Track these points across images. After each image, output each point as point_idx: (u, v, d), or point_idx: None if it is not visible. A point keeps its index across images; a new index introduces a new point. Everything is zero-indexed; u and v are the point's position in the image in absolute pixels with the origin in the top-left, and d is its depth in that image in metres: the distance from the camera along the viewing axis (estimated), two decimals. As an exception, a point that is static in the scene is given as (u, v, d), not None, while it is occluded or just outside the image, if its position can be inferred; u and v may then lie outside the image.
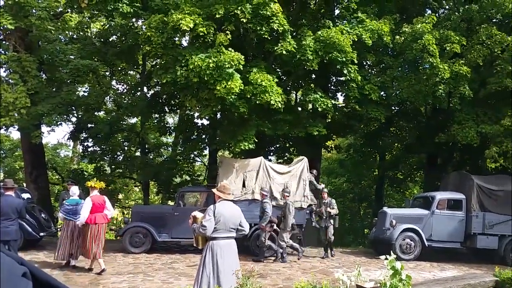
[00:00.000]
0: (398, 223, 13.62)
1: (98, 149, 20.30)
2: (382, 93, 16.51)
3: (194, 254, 12.24)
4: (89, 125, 19.06)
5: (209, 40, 12.54)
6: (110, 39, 18.95)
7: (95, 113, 19.55)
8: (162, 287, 8.74)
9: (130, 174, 22.29)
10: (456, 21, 16.30)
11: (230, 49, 12.27)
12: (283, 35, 13.25)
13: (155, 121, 21.46)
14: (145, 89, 20.60)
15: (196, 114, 18.01)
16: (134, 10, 13.48)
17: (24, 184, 18.55)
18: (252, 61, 14.17)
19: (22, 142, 18.61)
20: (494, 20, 16.36)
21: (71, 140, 22.04)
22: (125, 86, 23.16)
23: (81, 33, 19.75)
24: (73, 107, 16.83)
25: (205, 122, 19.41)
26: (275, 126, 14.75)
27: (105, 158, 20.90)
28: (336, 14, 16.42)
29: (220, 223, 5.64)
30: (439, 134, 16.44)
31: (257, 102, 12.65)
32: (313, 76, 16.72)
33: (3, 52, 15.98)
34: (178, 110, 20.97)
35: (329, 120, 16.57)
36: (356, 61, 14.35)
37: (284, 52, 13.10)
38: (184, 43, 14.97)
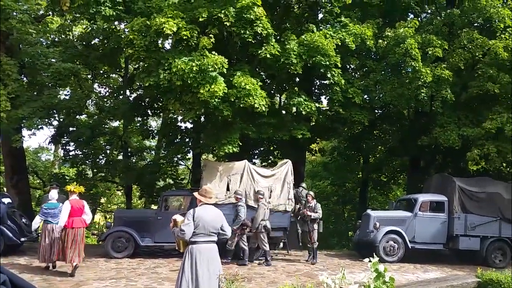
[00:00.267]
0: (382, 225, 13.70)
1: (80, 153, 20.07)
2: (365, 96, 16.62)
3: (177, 259, 12.13)
4: (71, 129, 18.84)
5: (193, 43, 12.48)
6: (92, 42, 18.76)
7: (77, 116, 19.34)
8: (146, 292, 8.65)
9: (113, 178, 22.06)
10: (438, 25, 16.49)
11: (213, 52, 12.22)
12: (267, 39, 13.25)
13: (138, 124, 21.30)
14: (127, 92, 20.42)
15: (180, 118, 17.91)
16: (116, 13, 13.35)
17: (5, 189, 18.27)
18: (236, 64, 14.13)
19: (2, 146, 18.30)
20: (476, 24, 16.57)
21: (52, 144, 21.82)
22: (107, 89, 22.98)
23: (62, 36, 19.54)
24: (55, 111, 16.62)
25: (189, 125, 19.33)
26: (259, 129, 14.74)
27: (87, 162, 20.68)
28: (319, 18, 16.48)
29: (199, 227, 5.60)
30: (422, 137, 16.59)
31: (241, 105, 12.62)
32: (297, 79, 16.76)
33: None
34: (161, 114, 20.84)
35: (313, 123, 16.62)
36: (339, 65, 14.40)
37: (268, 55, 13.09)
38: (167, 46, 14.90)
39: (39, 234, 11.04)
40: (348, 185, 28.06)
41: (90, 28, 18.38)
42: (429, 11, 20.45)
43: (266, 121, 14.70)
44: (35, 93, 16.23)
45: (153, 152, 25.27)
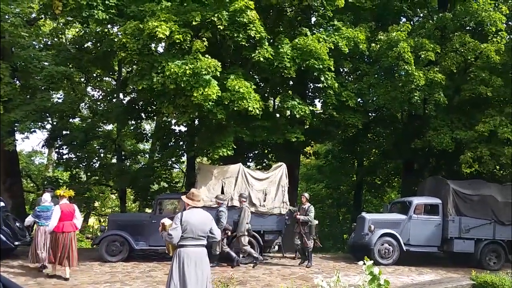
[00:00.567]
0: (377, 228, 13.72)
1: (74, 156, 19.99)
2: (359, 99, 16.68)
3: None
4: (64, 132, 18.78)
5: (186, 47, 12.46)
6: (85, 46, 18.72)
7: (70, 120, 19.30)
8: (140, 297, 8.61)
9: (106, 181, 21.99)
10: (430, 29, 16.56)
11: (207, 56, 12.21)
12: (260, 42, 13.26)
13: (132, 127, 21.25)
14: (121, 95, 20.38)
15: (174, 121, 17.88)
16: (109, 16, 13.31)
17: (-2, 193, 18.15)
18: (230, 68, 14.14)
19: (-5, 150, 18.21)
20: (468, 28, 16.64)
21: (45, 148, 21.70)
22: (100, 92, 22.94)
23: (55, 39, 19.50)
24: (48, 114, 16.57)
25: (183, 128, 19.31)
26: (253, 132, 14.73)
27: (81, 165, 20.61)
28: (312, 22, 16.52)
29: (187, 231, 5.58)
30: (415, 140, 16.64)
31: (235, 108, 12.62)
32: (291, 83, 16.78)
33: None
34: (155, 117, 20.79)
35: (307, 126, 16.63)
36: (333, 68, 14.44)
37: (261, 59, 13.09)
38: (160, 49, 14.88)
39: (32, 238, 11.05)
40: (342, 188, 28.10)
41: (83, 32, 18.36)
42: (421, 15, 20.59)
43: (260, 124, 14.70)
44: (28, 96, 16.16)
45: (147, 155, 25.22)
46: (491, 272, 11.30)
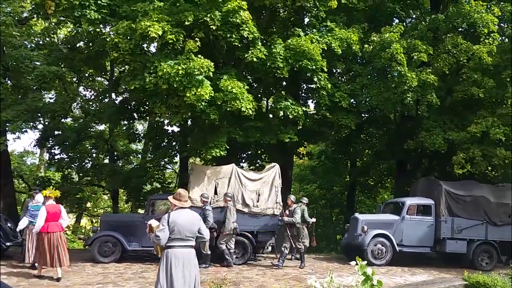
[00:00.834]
0: (370, 228, 13.74)
1: (66, 156, 19.89)
2: (352, 100, 16.69)
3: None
4: (56, 132, 18.68)
5: (178, 47, 12.42)
6: (77, 45, 18.62)
7: (62, 120, 19.20)
8: (132, 298, 8.56)
9: (99, 181, 21.89)
10: (422, 30, 16.62)
11: (199, 56, 12.17)
12: (253, 43, 13.24)
13: (124, 128, 21.17)
14: (113, 95, 20.28)
15: (166, 121, 17.81)
16: (101, 16, 13.22)
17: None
18: (222, 68, 14.11)
19: (-14, 150, 18.07)
20: (460, 29, 16.71)
21: (37, 148, 21.55)
22: (92, 92, 22.82)
23: (47, 39, 19.37)
24: (39, 114, 16.46)
25: (176, 129, 19.25)
26: (247, 133, 14.72)
27: (73, 165, 20.51)
28: (305, 22, 16.54)
29: (175, 231, 5.53)
30: (408, 141, 16.69)
31: (228, 109, 12.59)
32: (284, 83, 16.77)
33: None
34: (147, 117, 20.73)
35: (300, 127, 16.63)
36: (326, 69, 14.46)
37: (254, 59, 13.07)
38: (153, 50, 14.82)
39: (24, 239, 11.01)
40: (335, 189, 28.13)
41: (75, 31, 18.27)
42: (413, 16, 20.65)
43: (253, 125, 14.68)
44: (19, 96, 16.06)
45: (139, 155, 25.12)
46: (483, 273, 11.37)
